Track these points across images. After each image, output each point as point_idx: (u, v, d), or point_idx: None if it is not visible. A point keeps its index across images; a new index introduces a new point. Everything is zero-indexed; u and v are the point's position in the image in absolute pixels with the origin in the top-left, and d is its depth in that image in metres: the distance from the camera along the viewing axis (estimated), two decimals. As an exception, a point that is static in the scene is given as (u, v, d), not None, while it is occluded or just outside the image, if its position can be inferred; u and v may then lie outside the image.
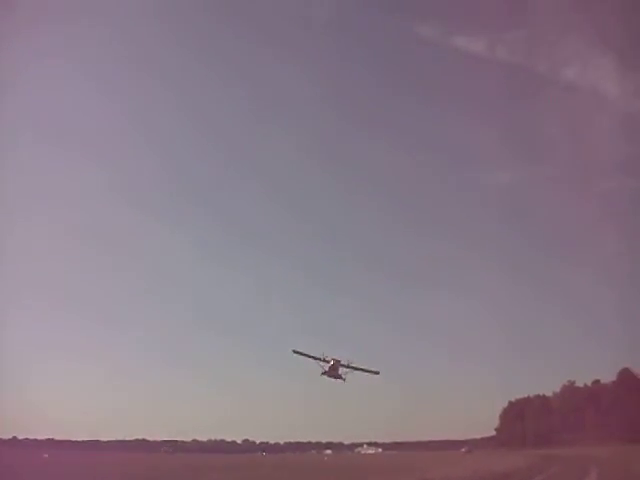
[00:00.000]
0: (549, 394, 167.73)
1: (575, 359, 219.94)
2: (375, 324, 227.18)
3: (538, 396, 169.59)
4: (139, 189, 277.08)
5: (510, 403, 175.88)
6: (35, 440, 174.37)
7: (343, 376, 45.78)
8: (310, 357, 45.73)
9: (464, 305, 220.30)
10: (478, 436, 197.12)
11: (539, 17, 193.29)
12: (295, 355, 45.97)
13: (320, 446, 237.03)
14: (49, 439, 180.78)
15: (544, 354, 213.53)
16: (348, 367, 45.40)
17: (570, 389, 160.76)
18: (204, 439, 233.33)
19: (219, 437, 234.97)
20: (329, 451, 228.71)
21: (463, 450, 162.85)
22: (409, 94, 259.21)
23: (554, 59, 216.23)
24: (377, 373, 47.09)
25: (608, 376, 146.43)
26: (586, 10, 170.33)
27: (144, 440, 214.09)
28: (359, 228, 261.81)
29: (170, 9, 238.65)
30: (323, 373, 45.68)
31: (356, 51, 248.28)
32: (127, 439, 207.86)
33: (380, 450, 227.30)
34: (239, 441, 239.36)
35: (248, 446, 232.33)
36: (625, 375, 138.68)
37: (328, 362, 45.06)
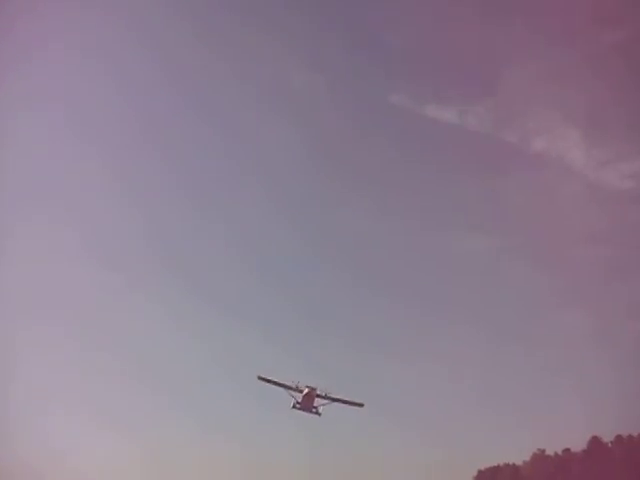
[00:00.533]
0: (519, 463, 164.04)
1: (546, 427, 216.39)
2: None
3: (508, 465, 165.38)
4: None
5: (480, 472, 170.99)
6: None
7: (320, 410, 39.41)
8: (279, 385, 39.10)
9: (434, 372, 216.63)
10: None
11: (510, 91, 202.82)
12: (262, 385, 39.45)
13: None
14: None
15: (514, 422, 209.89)
16: (325, 398, 39.41)
17: (540, 457, 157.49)
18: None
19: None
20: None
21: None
22: (378, 157, 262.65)
23: (524, 131, 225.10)
24: (361, 405, 41.03)
25: (578, 444, 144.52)
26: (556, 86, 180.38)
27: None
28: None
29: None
30: (295, 405, 39.05)
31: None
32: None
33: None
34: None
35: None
36: (595, 444, 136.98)
37: (301, 391, 38.62)
